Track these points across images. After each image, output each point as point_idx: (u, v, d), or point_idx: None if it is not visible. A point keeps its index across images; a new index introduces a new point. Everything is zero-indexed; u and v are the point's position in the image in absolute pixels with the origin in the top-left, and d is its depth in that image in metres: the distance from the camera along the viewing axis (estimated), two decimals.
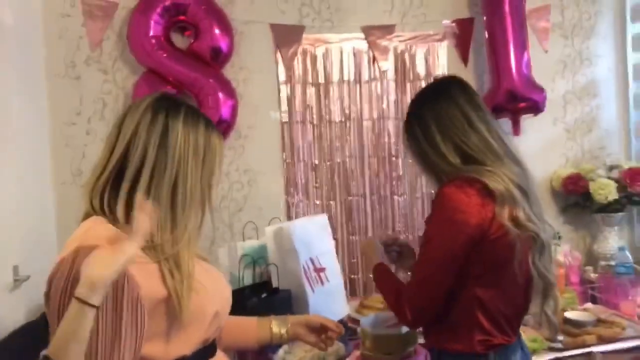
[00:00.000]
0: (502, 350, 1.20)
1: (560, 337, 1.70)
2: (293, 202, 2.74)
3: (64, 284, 0.90)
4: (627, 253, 2.27)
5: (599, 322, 1.83)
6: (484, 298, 1.17)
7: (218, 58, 2.54)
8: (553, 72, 2.93)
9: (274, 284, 1.86)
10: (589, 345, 1.68)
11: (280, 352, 1.67)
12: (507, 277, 1.18)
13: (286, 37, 2.74)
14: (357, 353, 1.66)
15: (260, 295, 1.77)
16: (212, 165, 1.10)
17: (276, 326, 1.30)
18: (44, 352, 0.82)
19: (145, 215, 0.90)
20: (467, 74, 2.86)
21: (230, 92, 2.56)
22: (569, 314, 1.87)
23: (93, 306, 0.82)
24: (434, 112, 1.22)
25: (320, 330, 1.35)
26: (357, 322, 1.95)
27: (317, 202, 2.76)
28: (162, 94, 1.14)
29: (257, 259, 1.85)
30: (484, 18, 2.77)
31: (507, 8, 2.69)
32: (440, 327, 1.25)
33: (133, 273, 0.94)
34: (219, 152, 1.12)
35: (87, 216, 1.05)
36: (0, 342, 1.64)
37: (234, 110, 2.55)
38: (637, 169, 2.63)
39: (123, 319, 0.91)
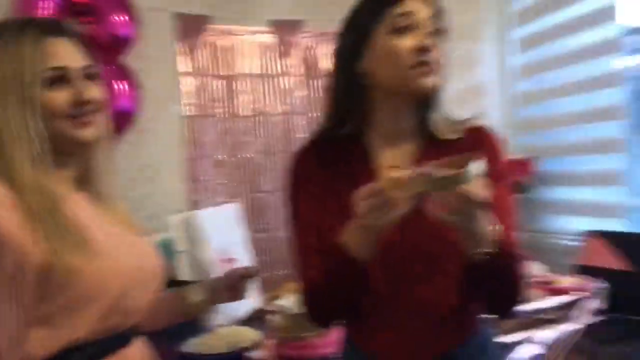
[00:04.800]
0: None
1: None
2: (196, 200, 2.60)
3: None
4: None
5: None
6: None
7: (119, 46, 2.36)
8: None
9: (183, 276, 1.74)
10: None
11: (190, 342, 1.55)
12: None
13: (190, 26, 2.63)
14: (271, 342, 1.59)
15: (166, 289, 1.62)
16: (20, 78, 0.87)
17: (193, 295, 1.15)
18: None
19: None
20: None
21: (133, 82, 2.39)
22: None
23: None
24: None
25: (236, 283, 1.22)
26: (266, 312, 1.88)
27: (221, 200, 2.64)
28: None
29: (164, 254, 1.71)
30: None
31: None
32: None
33: (13, 231, 0.79)
34: (29, 54, 0.88)
35: None
36: None
37: (136, 101, 2.38)
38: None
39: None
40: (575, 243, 2.47)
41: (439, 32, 0.97)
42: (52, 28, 0.93)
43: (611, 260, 1.95)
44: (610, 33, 2.54)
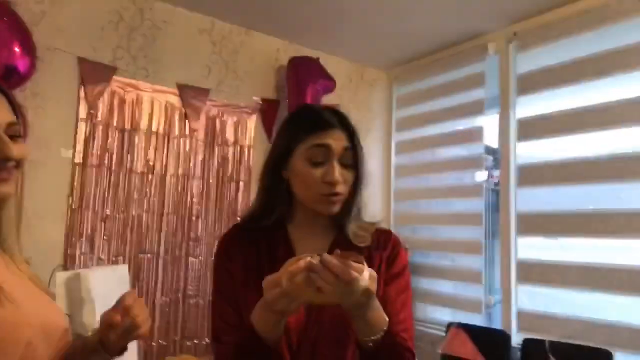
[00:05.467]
0: None
1: None
2: (74, 254, 2.40)
3: None
4: None
5: None
6: None
7: (11, 78, 2.20)
8: None
9: None
10: None
11: None
12: None
13: (94, 74, 2.55)
14: None
15: None
16: None
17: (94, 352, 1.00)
18: None
19: None
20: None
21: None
22: None
23: None
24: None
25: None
26: None
27: (102, 257, 2.47)
28: None
29: None
30: (288, 101, 3.09)
31: (308, 98, 3.07)
32: None
33: None
34: None
35: None
36: None
37: None
38: None
39: None
40: (441, 332, 2.73)
41: (352, 164, 1.07)
42: None
43: (470, 352, 2.19)
44: (475, 151, 3.02)
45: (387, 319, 0.96)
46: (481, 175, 3.02)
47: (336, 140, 1.06)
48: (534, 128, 2.68)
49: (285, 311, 0.91)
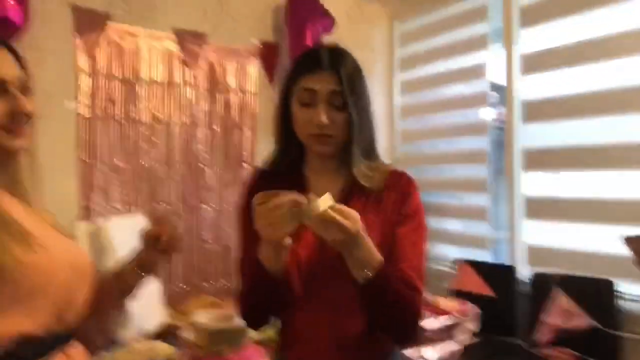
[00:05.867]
0: None
1: None
2: (89, 206, 2.43)
3: None
4: None
5: None
6: None
7: (6, 31, 2.14)
8: None
9: None
10: None
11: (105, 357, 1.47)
12: None
13: (89, 22, 2.48)
14: (186, 357, 1.58)
15: None
16: None
17: (129, 273, 1.11)
18: None
19: None
20: (274, 93, 3.03)
21: None
22: None
23: None
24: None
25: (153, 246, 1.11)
26: (176, 327, 1.87)
27: (118, 207, 2.51)
28: None
29: None
30: (288, 43, 3.02)
31: (308, 39, 3.00)
32: None
33: None
34: None
35: None
36: None
37: None
38: None
39: None
40: (449, 269, 2.82)
41: (343, 106, 1.08)
42: None
43: (479, 286, 2.27)
44: (480, 88, 2.99)
45: (380, 258, 1.00)
46: (486, 113, 3.00)
47: (323, 83, 1.08)
48: (538, 62, 2.64)
49: (274, 240, 0.97)
